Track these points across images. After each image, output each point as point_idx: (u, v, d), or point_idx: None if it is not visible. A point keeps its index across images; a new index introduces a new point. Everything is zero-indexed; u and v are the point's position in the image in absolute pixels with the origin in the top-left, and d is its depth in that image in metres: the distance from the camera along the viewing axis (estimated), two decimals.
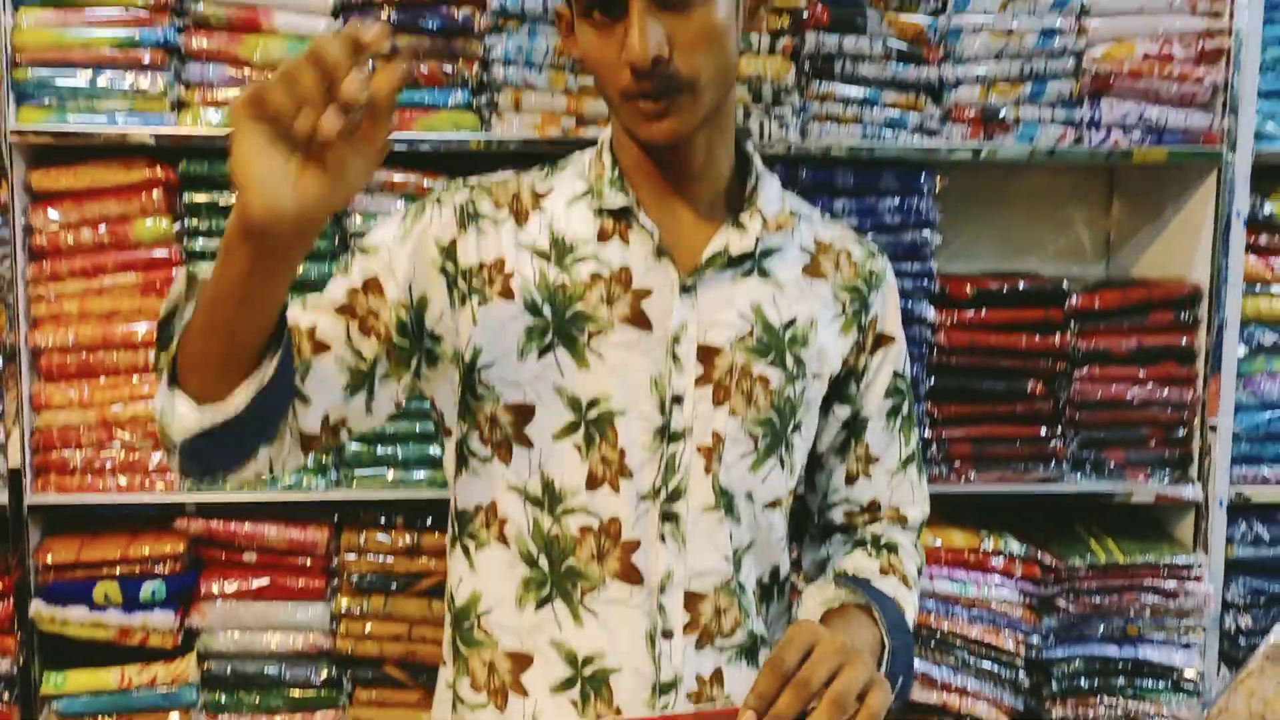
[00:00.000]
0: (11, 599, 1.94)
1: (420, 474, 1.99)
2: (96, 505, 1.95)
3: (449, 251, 1.18)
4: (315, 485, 1.98)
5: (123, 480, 1.94)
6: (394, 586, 2.00)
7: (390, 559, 2.00)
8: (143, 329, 1.93)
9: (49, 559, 1.93)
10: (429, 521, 2.02)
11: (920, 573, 1.33)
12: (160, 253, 1.93)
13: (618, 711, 1.17)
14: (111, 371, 1.94)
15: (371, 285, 1.16)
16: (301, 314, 1.15)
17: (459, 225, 1.19)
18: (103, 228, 1.91)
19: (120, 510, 1.97)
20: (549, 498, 1.18)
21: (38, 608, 1.93)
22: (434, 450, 1.99)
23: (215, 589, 1.98)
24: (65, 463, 1.94)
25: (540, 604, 1.19)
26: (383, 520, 2.01)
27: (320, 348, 1.13)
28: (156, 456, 1.95)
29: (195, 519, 1.97)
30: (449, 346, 1.19)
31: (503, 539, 1.20)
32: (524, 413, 1.18)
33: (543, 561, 1.19)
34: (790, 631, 1.00)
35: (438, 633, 1.98)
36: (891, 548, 1.30)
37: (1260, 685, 1.24)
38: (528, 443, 1.18)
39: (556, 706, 1.18)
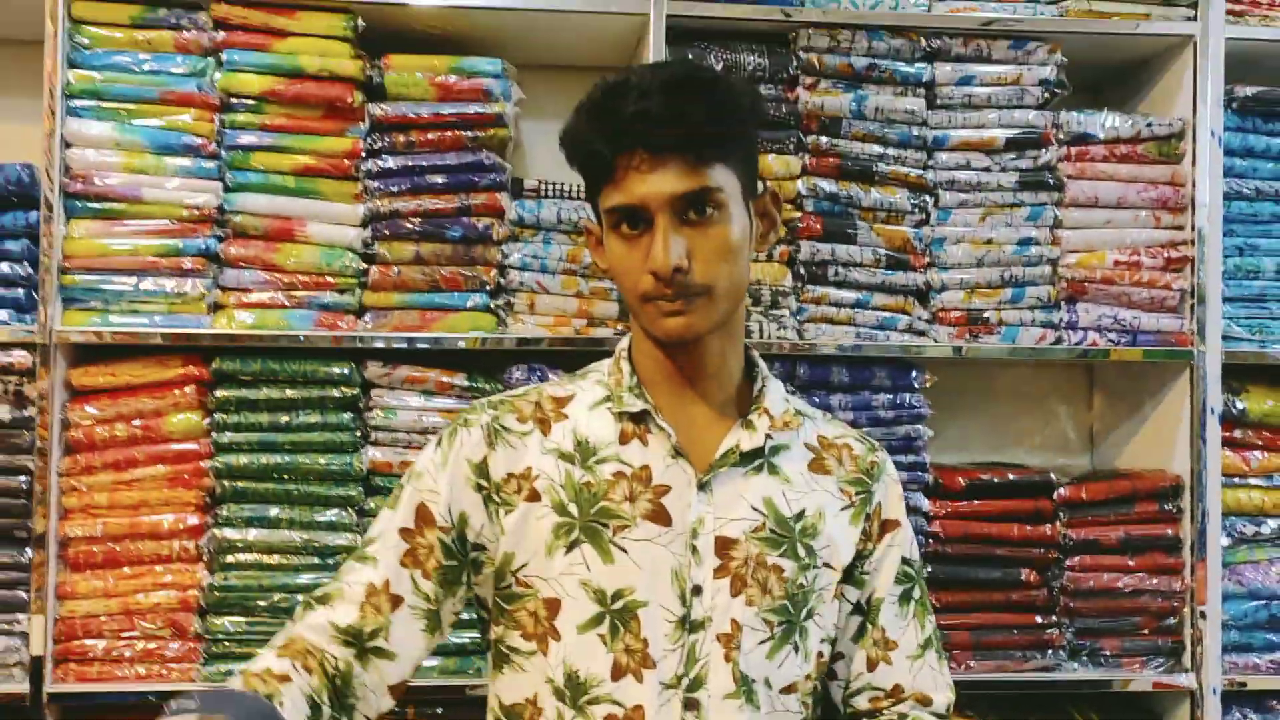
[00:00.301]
0: None
1: (432, 661, 2.03)
2: (115, 693, 1.97)
3: (481, 469, 1.29)
4: None
5: (140, 669, 1.98)
6: None
7: None
8: (169, 519, 2.00)
9: None
10: (440, 711, 2.05)
11: None
12: (190, 445, 2.02)
13: None
14: (136, 561, 2.00)
15: (422, 513, 1.28)
16: (373, 573, 1.27)
17: (488, 444, 1.30)
18: (136, 421, 2.00)
19: (138, 698, 2.00)
20: (571, 689, 1.25)
21: None
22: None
23: None
24: (86, 651, 1.98)
25: None
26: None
27: (396, 602, 1.26)
28: (174, 645, 2.00)
29: None
30: (491, 554, 1.29)
31: None
32: (553, 607, 1.26)
33: None
34: None
35: None
36: None
37: None
38: (556, 636, 1.25)
39: None
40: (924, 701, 1.36)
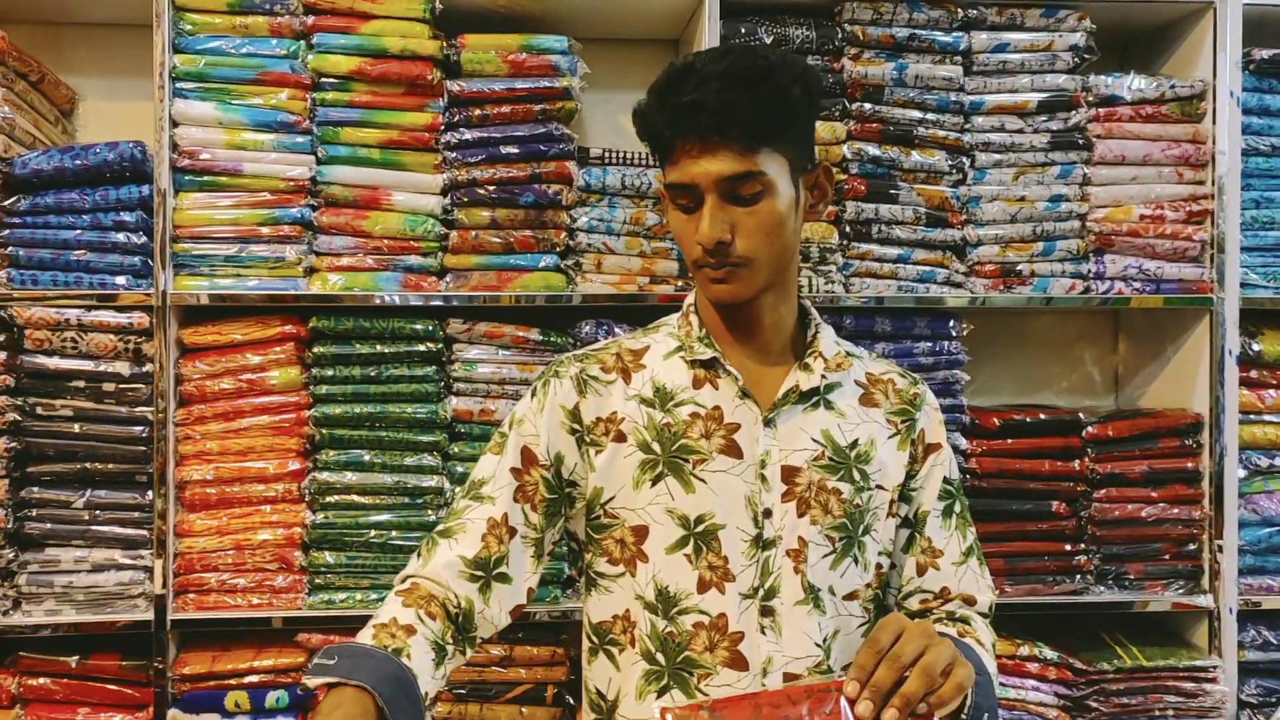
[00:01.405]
0: (150, 708, 2.16)
1: None
2: (229, 620, 2.18)
3: (574, 414, 1.48)
4: None
5: (254, 599, 2.19)
6: (490, 694, 2.22)
7: (486, 669, 2.22)
8: (273, 464, 2.20)
9: (185, 670, 2.16)
10: (520, 635, 2.25)
11: (993, 647, 1.53)
12: (290, 397, 2.22)
13: None
14: (245, 502, 2.21)
15: (526, 454, 1.47)
16: (491, 509, 1.45)
17: (578, 392, 1.48)
18: (242, 376, 2.20)
19: (250, 625, 2.21)
20: (663, 603, 1.43)
21: (175, 716, 2.15)
22: None
23: None
24: (203, 583, 2.18)
25: (660, 694, 1.43)
26: None
27: (512, 533, 1.45)
28: (281, 578, 2.20)
29: (315, 634, 2.20)
30: (583, 490, 1.48)
31: (633, 641, 1.45)
32: (641, 533, 1.44)
33: (660, 657, 1.43)
34: (882, 620, 1.23)
35: None
36: (965, 620, 1.51)
37: None
38: (645, 558, 1.44)
39: None
40: (969, 601, 1.54)
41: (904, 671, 1.20)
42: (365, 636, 1.32)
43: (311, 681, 1.23)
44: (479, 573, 1.43)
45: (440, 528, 1.47)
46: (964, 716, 1.36)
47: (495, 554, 1.44)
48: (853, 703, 1.19)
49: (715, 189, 1.35)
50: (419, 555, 1.45)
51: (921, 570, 1.53)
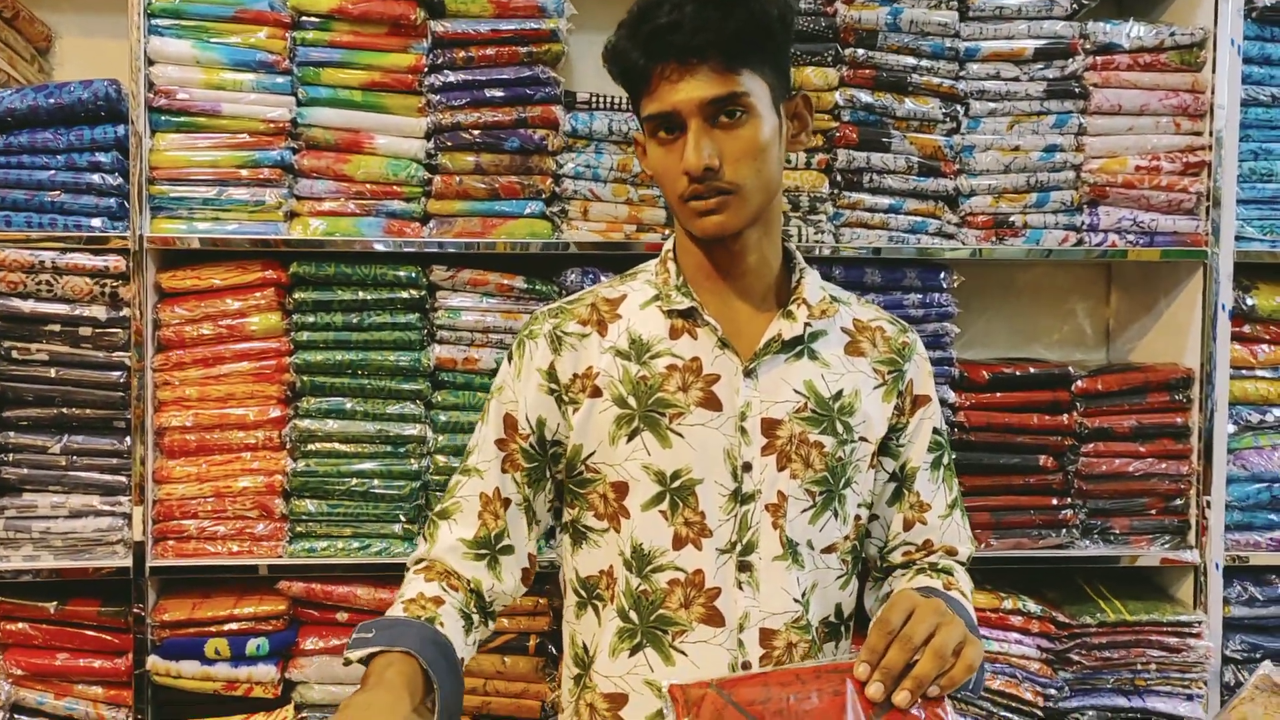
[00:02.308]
0: (130, 655, 2.16)
1: None
2: (209, 568, 2.17)
3: (550, 374, 1.45)
4: (403, 552, 2.20)
5: (234, 546, 2.18)
6: None
7: None
8: (254, 411, 2.18)
9: (165, 617, 2.14)
10: None
11: (971, 595, 1.52)
12: (271, 344, 2.19)
13: None
14: (225, 449, 2.18)
15: (509, 421, 1.46)
16: (482, 483, 1.46)
17: (552, 350, 1.45)
18: (222, 321, 2.16)
19: (229, 573, 2.19)
20: (638, 560, 1.42)
21: (154, 662, 2.14)
22: None
23: (312, 645, 2.19)
24: (183, 530, 2.17)
25: (633, 651, 1.42)
26: None
27: (506, 504, 1.46)
28: (261, 526, 2.18)
29: (295, 582, 2.19)
30: (565, 447, 1.46)
31: (613, 599, 1.43)
32: (621, 489, 1.42)
33: (633, 615, 1.42)
34: (893, 599, 1.22)
35: (511, 686, 2.20)
36: (949, 571, 1.50)
37: (1251, 710, 1.45)
38: (627, 514, 1.42)
39: None
40: (950, 553, 1.53)
41: (916, 653, 1.19)
42: (396, 611, 1.34)
43: (355, 655, 1.27)
44: (482, 551, 1.44)
45: (439, 508, 1.48)
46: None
47: (494, 530, 1.45)
48: (862, 685, 1.18)
49: (698, 113, 1.32)
50: (424, 539, 1.48)
51: (909, 525, 1.52)
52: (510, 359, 1.49)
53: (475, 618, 1.41)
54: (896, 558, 1.55)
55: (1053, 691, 2.21)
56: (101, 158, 2.11)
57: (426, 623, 1.32)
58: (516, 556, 1.46)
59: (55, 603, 2.16)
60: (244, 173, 2.14)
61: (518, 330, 1.51)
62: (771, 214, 1.43)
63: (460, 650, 1.33)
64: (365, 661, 1.26)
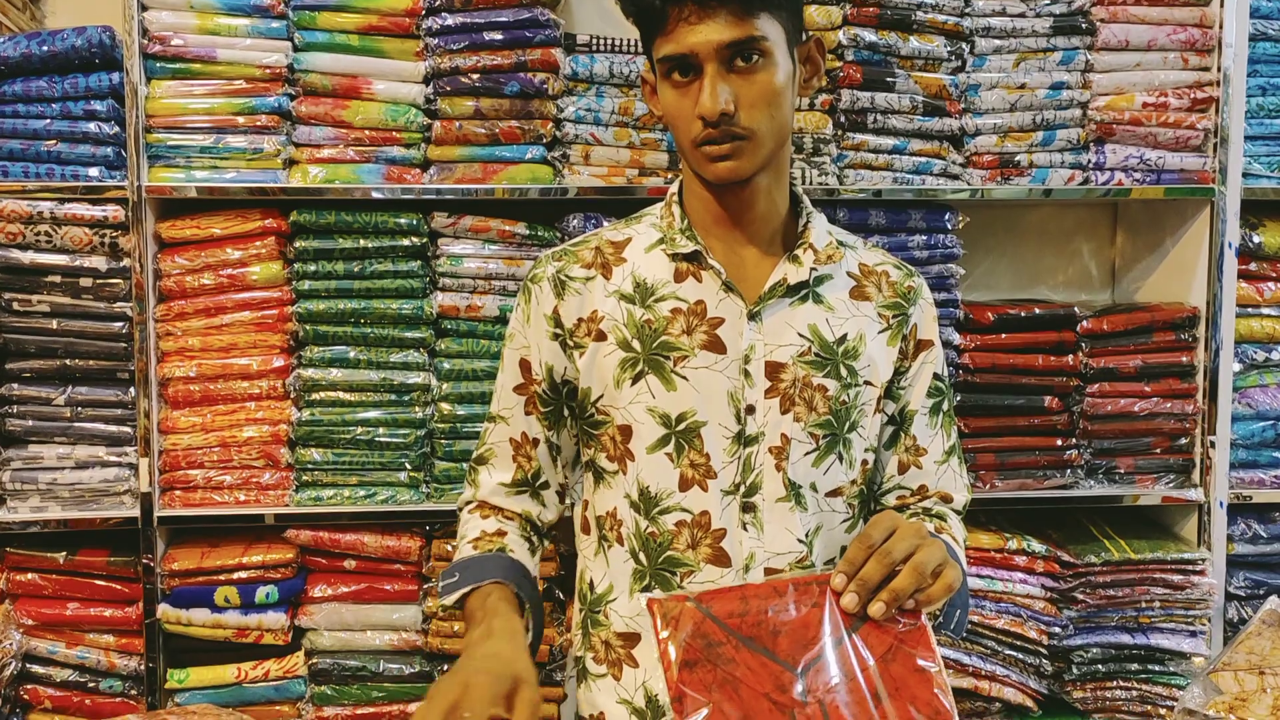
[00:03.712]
0: (140, 604, 2.17)
1: None
2: (217, 517, 2.18)
3: (555, 319, 1.45)
4: (409, 499, 2.21)
5: (241, 495, 2.18)
6: None
7: None
8: (257, 361, 2.17)
9: (174, 566, 2.16)
10: None
11: (965, 544, 1.53)
12: (273, 293, 2.18)
13: None
14: (229, 399, 2.18)
15: (524, 367, 1.49)
16: (509, 429, 1.51)
17: (556, 295, 1.45)
18: (223, 271, 2.15)
19: (237, 522, 2.20)
20: (644, 502, 1.42)
21: (164, 610, 2.15)
22: None
23: (321, 592, 2.21)
24: (189, 480, 2.17)
25: (644, 592, 1.42)
26: None
27: (535, 444, 1.51)
28: (268, 475, 2.19)
29: (304, 530, 2.20)
30: (575, 388, 1.47)
31: (620, 539, 1.44)
32: (627, 432, 1.42)
33: (643, 557, 1.42)
34: (875, 517, 1.22)
35: None
36: (941, 516, 1.51)
37: (1258, 643, 1.46)
38: (632, 457, 1.42)
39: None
40: (945, 499, 1.53)
41: (893, 568, 1.19)
42: (467, 551, 1.45)
43: (450, 599, 1.38)
44: (522, 489, 1.52)
45: (476, 454, 1.55)
46: (938, 612, 1.36)
47: (530, 471, 1.52)
48: (838, 595, 1.18)
49: (715, 57, 1.30)
50: (468, 484, 1.55)
51: (903, 468, 1.52)
52: (518, 306, 1.50)
53: (534, 539, 1.52)
54: (890, 501, 1.55)
55: (1057, 630, 2.23)
56: (97, 106, 2.09)
57: (500, 553, 1.43)
58: (552, 487, 1.54)
59: (64, 553, 2.17)
60: (241, 120, 2.12)
61: (521, 276, 1.51)
62: (781, 159, 1.42)
63: (531, 570, 1.46)
64: (459, 604, 1.38)
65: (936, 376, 1.53)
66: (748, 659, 1.14)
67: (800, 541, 1.42)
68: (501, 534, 1.47)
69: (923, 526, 1.23)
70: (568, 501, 1.57)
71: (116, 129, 2.09)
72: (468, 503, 1.54)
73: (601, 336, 1.42)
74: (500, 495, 1.52)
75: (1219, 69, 2.24)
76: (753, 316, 1.41)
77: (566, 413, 1.50)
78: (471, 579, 1.38)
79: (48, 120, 2.09)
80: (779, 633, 1.16)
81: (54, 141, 2.09)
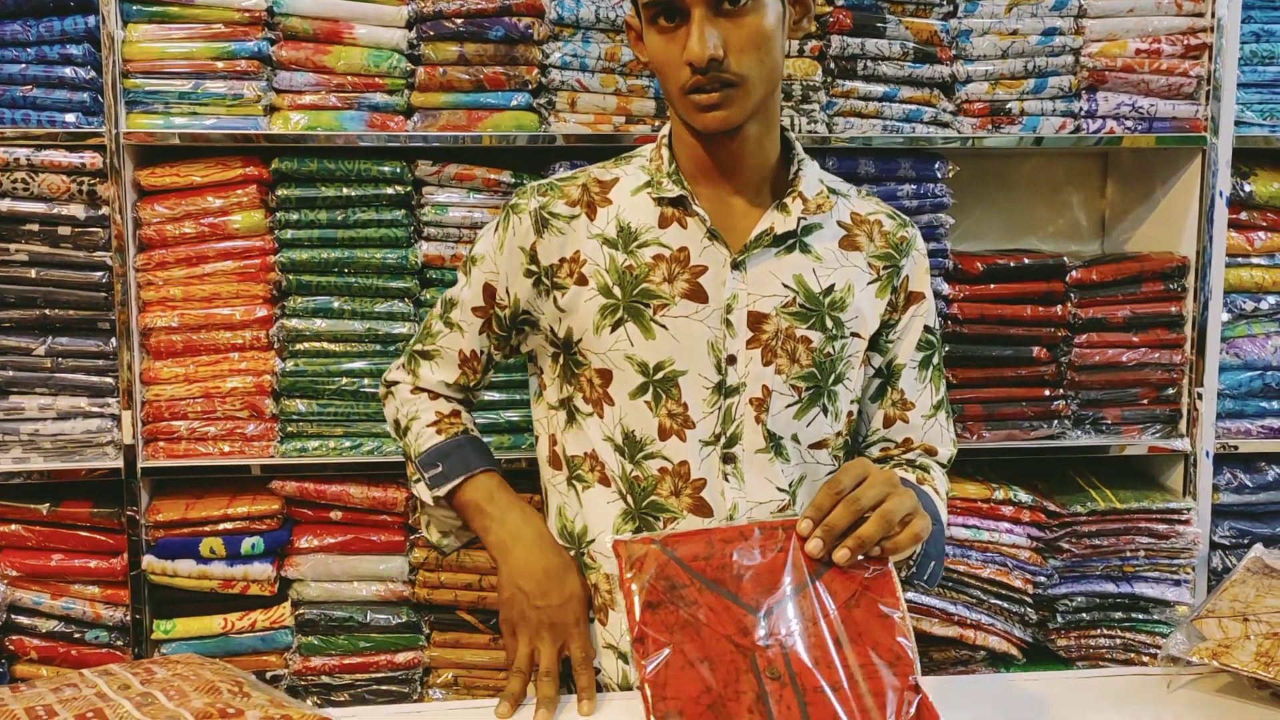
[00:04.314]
0: (125, 555, 2.16)
1: (488, 439, 2.21)
2: (201, 468, 2.16)
3: (531, 255, 1.44)
4: (395, 450, 2.20)
5: (225, 447, 2.17)
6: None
7: None
8: (240, 311, 2.15)
9: (159, 518, 2.14)
10: None
11: (947, 496, 1.53)
12: (255, 242, 2.15)
13: None
14: (212, 349, 2.16)
15: (488, 290, 1.48)
16: (461, 340, 1.53)
17: (536, 232, 1.43)
18: (205, 219, 2.12)
19: (222, 473, 2.19)
20: (629, 446, 1.41)
21: (149, 561, 2.15)
22: (500, 417, 2.20)
23: (307, 543, 2.20)
24: (173, 431, 2.16)
25: (634, 533, 1.42)
26: None
27: (482, 358, 1.54)
28: (252, 426, 2.17)
29: (289, 481, 2.19)
30: (541, 325, 1.46)
31: (604, 480, 1.43)
32: (606, 377, 1.41)
33: (630, 499, 1.42)
34: (847, 464, 1.22)
35: None
36: (925, 469, 1.51)
37: (1242, 590, 1.46)
38: (611, 401, 1.41)
39: None
40: (930, 452, 1.53)
41: (861, 515, 1.18)
42: (431, 434, 1.50)
43: (442, 490, 1.46)
44: (462, 392, 1.56)
45: (419, 346, 1.55)
46: (910, 561, 1.36)
47: (472, 381, 1.55)
48: (804, 540, 1.17)
49: (703, 1, 1.27)
50: (405, 369, 1.58)
51: (889, 422, 1.52)
52: (495, 229, 1.48)
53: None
54: (874, 453, 1.54)
55: (1042, 579, 2.24)
56: (73, 50, 2.04)
57: (469, 436, 1.51)
58: (482, 394, 1.66)
59: (48, 504, 2.16)
60: (220, 65, 2.08)
61: (503, 205, 1.49)
62: (772, 105, 1.39)
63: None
64: (449, 496, 1.47)
65: (927, 329, 1.51)
66: (711, 601, 1.14)
67: (782, 491, 1.42)
68: (457, 414, 1.53)
69: (894, 475, 1.22)
70: None
71: (93, 74, 2.05)
72: (399, 383, 1.58)
73: (583, 280, 1.41)
74: (441, 388, 1.56)
75: (1213, 15, 2.21)
76: (736, 265, 1.40)
77: (512, 339, 1.52)
78: (460, 468, 1.44)
79: (22, 65, 2.05)
80: (743, 576, 1.16)
81: (29, 87, 2.05)
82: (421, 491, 1.49)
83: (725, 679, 1.10)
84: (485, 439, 1.56)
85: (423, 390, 1.56)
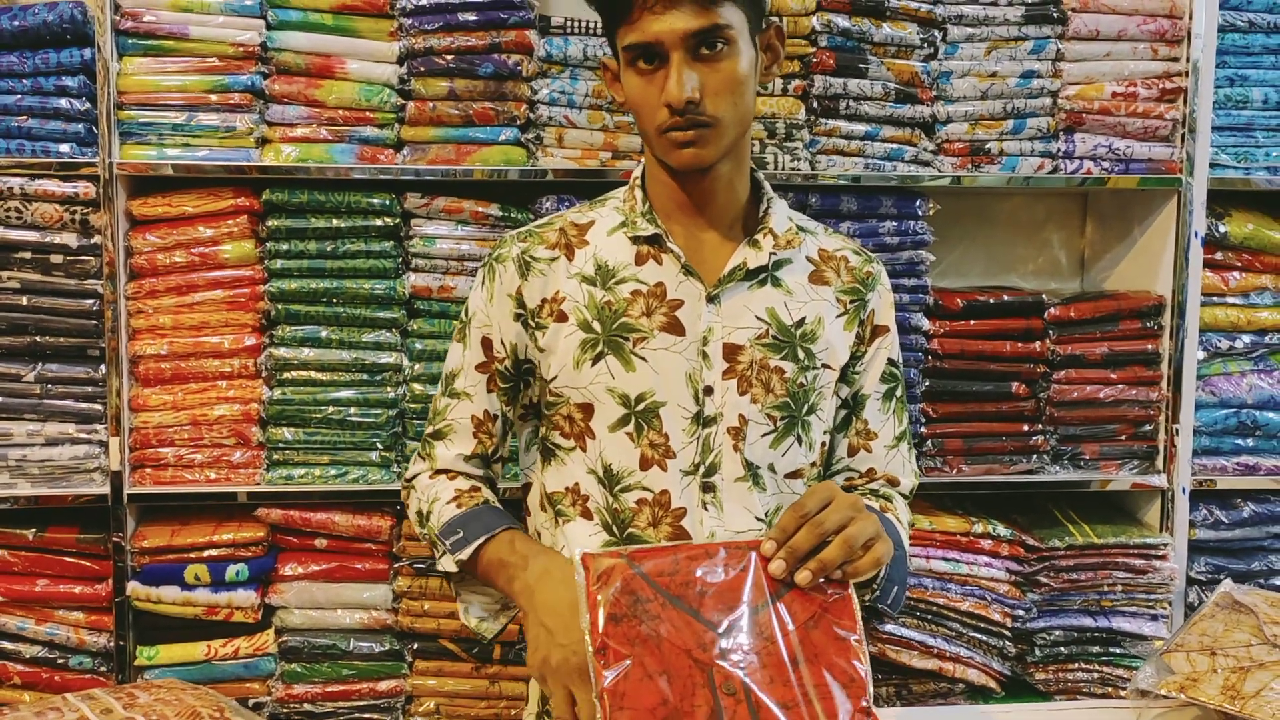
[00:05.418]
0: (110, 581, 2.17)
1: None
2: (187, 495, 2.18)
3: (518, 300, 1.47)
4: (380, 479, 2.22)
5: (212, 474, 2.19)
6: None
7: None
8: (229, 340, 2.17)
9: (144, 544, 2.16)
10: None
11: (910, 527, 1.56)
12: (245, 272, 2.18)
13: None
14: (200, 377, 2.18)
15: (486, 345, 1.50)
16: (470, 406, 1.52)
17: (520, 276, 1.47)
18: (195, 249, 2.15)
19: (208, 500, 2.20)
20: (609, 479, 1.44)
21: (134, 587, 2.16)
22: None
23: (291, 570, 2.21)
24: (160, 458, 2.17)
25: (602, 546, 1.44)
26: None
27: (495, 420, 1.53)
28: (239, 454, 2.19)
29: (274, 509, 2.20)
30: (535, 367, 1.49)
31: (586, 513, 1.45)
32: (587, 411, 1.44)
33: (614, 529, 1.44)
34: (813, 487, 1.24)
35: None
36: (888, 498, 1.54)
37: (1210, 625, 1.49)
38: (592, 435, 1.44)
39: None
40: (892, 482, 1.56)
41: (824, 538, 1.20)
42: (451, 509, 1.46)
43: (465, 554, 1.41)
44: (481, 462, 1.54)
45: (432, 429, 1.54)
46: (874, 587, 1.39)
47: (490, 447, 1.54)
48: (767, 561, 1.20)
49: (681, 45, 1.32)
50: (422, 458, 1.56)
51: (853, 451, 1.55)
52: (482, 283, 1.51)
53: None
54: (838, 481, 1.56)
55: (1021, 613, 2.26)
56: (68, 82, 2.08)
57: (489, 505, 1.47)
58: (504, 459, 1.58)
59: (34, 530, 2.18)
60: (214, 98, 2.12)
61: (485, 257, 1.52)
62: (743, 146, 1.44)
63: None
64: (468, 562, 1.42)
65: (891, 362, 1.55)
66: (673, 616, 1.16)
67: (759, 519, 1.44)
68: (478, 490, 1.50)
69: (859, 500, 1.24)
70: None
71: (88, 105, 2.09)
72: (417, 475, 1.56)
73: (563, 317, 1.44)
74: (460, 465, 1.53)
75: (1188, 59, 2.26)
76: (711, 299, 1.43)
77: (521, 389, 1.52)
78: (482, 530, 1.42)
79: (18, 96, 2.08)
80: (705, 593, 1.18)
81: (25, 117, 2.08)
82: (446, 564, 1.45)
83: (682, 693, 1.12)
84: None
85: (441, 473, 1.53)
